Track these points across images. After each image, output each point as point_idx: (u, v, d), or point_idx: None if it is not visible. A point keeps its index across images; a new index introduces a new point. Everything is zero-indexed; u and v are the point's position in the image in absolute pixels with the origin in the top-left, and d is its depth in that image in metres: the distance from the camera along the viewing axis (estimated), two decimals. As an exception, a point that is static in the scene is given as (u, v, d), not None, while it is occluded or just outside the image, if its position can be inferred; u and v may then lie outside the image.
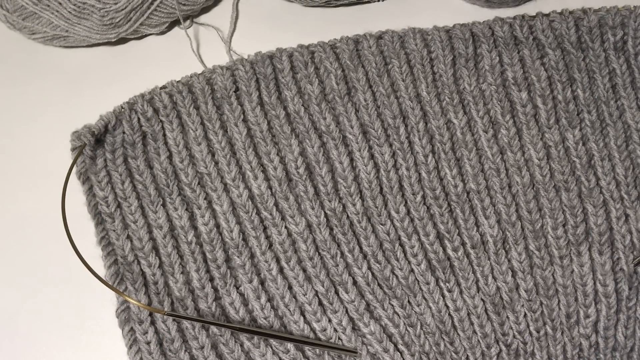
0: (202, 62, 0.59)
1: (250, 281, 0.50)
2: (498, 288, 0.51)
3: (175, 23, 0.61)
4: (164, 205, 0.51)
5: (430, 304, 0.51)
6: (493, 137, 0.54)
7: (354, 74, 0.55)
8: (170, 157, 0.53)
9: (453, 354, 0.50)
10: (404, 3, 0.62)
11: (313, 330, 0.50)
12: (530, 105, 0.55)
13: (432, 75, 0.55)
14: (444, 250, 0.52)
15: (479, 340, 0.51)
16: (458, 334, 0.51)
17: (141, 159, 0.52)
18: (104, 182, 0.52)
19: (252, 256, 0.51)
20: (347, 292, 0.50)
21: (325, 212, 0.52)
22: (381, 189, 0.53)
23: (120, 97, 0.54)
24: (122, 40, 0.61)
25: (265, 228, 0.51)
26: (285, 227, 0.51)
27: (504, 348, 0.51)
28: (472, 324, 0.51)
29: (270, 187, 0.52)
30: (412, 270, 0.51)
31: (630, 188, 0.53)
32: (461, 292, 0.51)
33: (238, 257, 0.50)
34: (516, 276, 0.51)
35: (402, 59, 0.56)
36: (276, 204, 0.52)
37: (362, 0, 0.62)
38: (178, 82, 0.55)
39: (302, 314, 0.50)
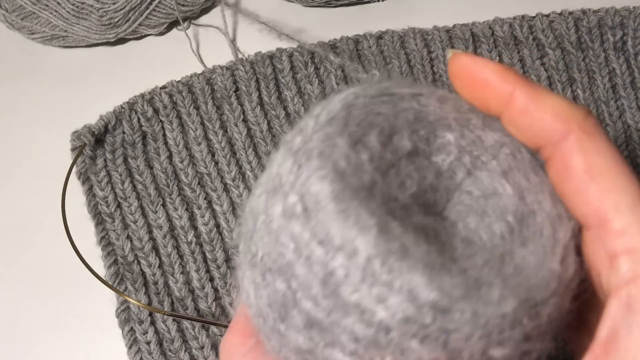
0: (202, 62, 0.59)
1: (251, 281, 0.50)
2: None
3: (174, 24, 0.61)
4: (164, 205, 0.51)
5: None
6: (493, 137, 0.54)
7: (353, 74, 0.55)
8: (170, 157, 0.53)
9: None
10: (404, 3, 0.62)
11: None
12: (530, 105, 0.55)
13: (432, 75, 0.56)
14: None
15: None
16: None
17: (141, 159, 0.52)
18: (104, 182, 0.52)
19: (252, 256, 0.51)
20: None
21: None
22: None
23: (120, 97, 0.54)
24: (121, 41, 0.61)
25: (265, 228, 0.51)
26: (286, 227, 0.51)
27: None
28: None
29: (270, 187, 0.52)
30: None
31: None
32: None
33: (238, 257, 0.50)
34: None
35: (402, 59, 0.56)
36: (276, 204, 0.52)
37: (362, 0, 0.62)
38: (178, 82, 0.55)
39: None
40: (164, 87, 0.55)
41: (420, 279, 0.22)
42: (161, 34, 0.61)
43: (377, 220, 0.23)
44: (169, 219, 0.51)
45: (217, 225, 0.51)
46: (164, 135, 0.53)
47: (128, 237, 0.50)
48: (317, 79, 0.55)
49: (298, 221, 0.24)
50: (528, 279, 0.23)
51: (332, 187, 0.23)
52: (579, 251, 0.25)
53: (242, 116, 0.54)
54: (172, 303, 0.49)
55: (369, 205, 0.23)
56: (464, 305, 0.22)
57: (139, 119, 0.53)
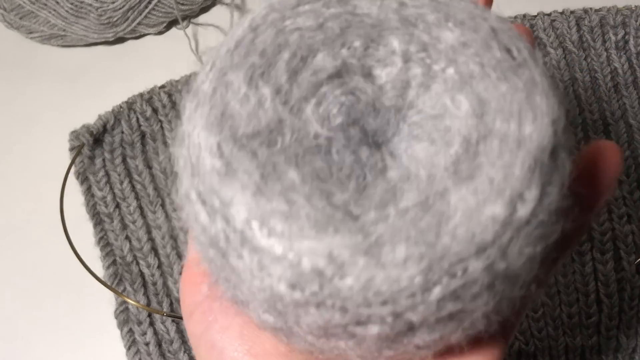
0: (201, 61, 0.59)
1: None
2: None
3: (173, 23, 0.61)
4: (162, 205, 0.51)
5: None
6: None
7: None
8: (169, 157, 0.52)
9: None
10: (404, 2, 0.62)
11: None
12: (531, 105, 0.54)
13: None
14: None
15: (480, 341, 0.50)
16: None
17: (140, 158, 0.52)
18: (103, 182, 0.51)
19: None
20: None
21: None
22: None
23: (119, 97, 0.54)
24: (120, 40, 0.61)
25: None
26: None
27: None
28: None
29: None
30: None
31: (633, 188, 0.53)
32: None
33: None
34: (517, 276, 0.51)
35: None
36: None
37: (362, 0, 0.61)
38: (177, 81, 0.54)
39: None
40: (163, 86, 0.54)
41: (304, 243, 0.19)
42: (160, 33, 0.61)
43: (260, 175, 0.20)
44: (168, 219, 0.51)
45: (217, 226, 0.51)
46: (163, 135, 0.53)
47: (127, 237, 0.50)
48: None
49: (188, 177, 0.21)
50: (454, 229, 0.19)
51: (213, 139, 0.21)
52: (546, 181, 0.20)
53: (241, 116, 0.53)
54: (171, 304, 0.49)
55: (259, 156, 0.20)
56: (357, 271, 0.19)
57: (137, 118, 0.53)
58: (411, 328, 0.20)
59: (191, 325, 0.27)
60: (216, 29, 0.61)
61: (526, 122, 0.20)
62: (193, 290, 0.28)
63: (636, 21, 0.56)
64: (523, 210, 0.20)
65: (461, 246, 0.19)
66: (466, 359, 0.25)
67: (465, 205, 0.19)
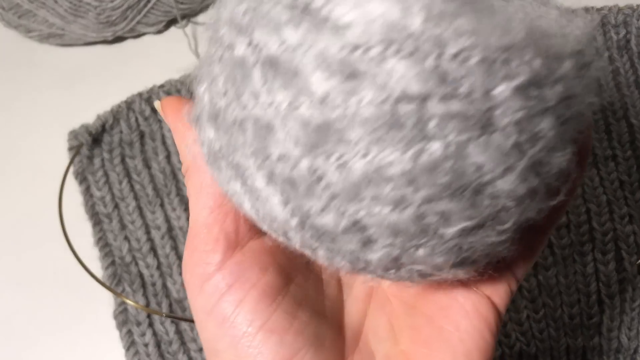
0: (200, 60, 0.59)
1: (250, 282, 0.49)
2: (500, 289, 0.51)
3: (172, 22, 0.61)
4: (162, 205, 0.51)
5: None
6: (495, 136, 0.54)
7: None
8: (168, 156, 0.52)
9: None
10: (404, 1, 0.62)
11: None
12: (532, 104, 0.54)
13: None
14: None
15: (481, 342, 0.50)
16: (460, 336, 0.50)
17: (139, 158, 0.52)
18: (102, 182, 0.51)
19: (251, 257, 0.50)
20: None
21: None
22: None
23: (118, 96, 0.54)
24: (119, 39, 0.60)
25: (264, 228, 0.51)
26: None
27: (506, 350, 0.50)
28: (474, 325, 0.50)
29: (269, 187, 0.52)
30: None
31: (634, 188, 0.52)
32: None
33: (237, 258, 0.50)
34: (518, 277, 0.51)
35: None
36: (276, 204, 0.51)
37: None
38: (176, 80, 0.54)
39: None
40: (162, 86, 0.54)
41: None
42: (159, 32, 0.61)
43: None
44: (167, 219, 0.51)
45: (216, 226, 0.51)
46: (162, 134, 0.53)
47: (126, 237, 0.50)
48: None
49: None
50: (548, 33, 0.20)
51: None
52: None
53: (241, 115, 0.53)
54: (170, 304, 0.49)
55: None
56: (463, 18, 0.18)
57: (136, 118, 0.53)
58: (490, 123, 0.19)
59: (201, 300, 0.25)
60: (216, 28, 0.61)
61: (569, 19, 0.22)
62: (203, 260, 0.25)
63: (638, 20, 0.56)
64: (587, 57, 0.21)
65: (558, 45, 0.20)
66: (476, 292, 0.25)
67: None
